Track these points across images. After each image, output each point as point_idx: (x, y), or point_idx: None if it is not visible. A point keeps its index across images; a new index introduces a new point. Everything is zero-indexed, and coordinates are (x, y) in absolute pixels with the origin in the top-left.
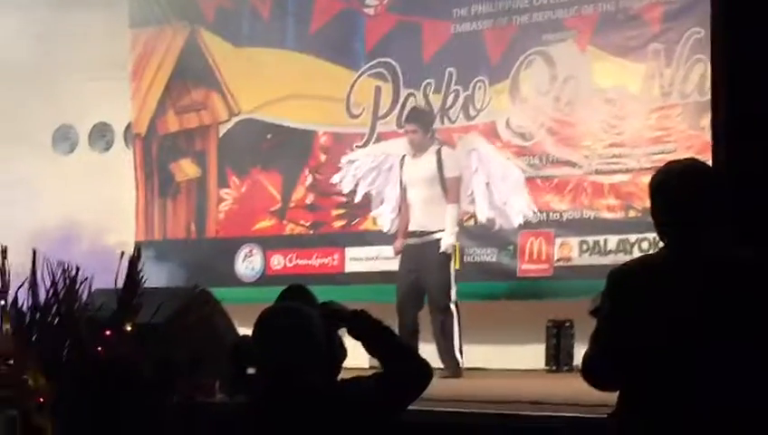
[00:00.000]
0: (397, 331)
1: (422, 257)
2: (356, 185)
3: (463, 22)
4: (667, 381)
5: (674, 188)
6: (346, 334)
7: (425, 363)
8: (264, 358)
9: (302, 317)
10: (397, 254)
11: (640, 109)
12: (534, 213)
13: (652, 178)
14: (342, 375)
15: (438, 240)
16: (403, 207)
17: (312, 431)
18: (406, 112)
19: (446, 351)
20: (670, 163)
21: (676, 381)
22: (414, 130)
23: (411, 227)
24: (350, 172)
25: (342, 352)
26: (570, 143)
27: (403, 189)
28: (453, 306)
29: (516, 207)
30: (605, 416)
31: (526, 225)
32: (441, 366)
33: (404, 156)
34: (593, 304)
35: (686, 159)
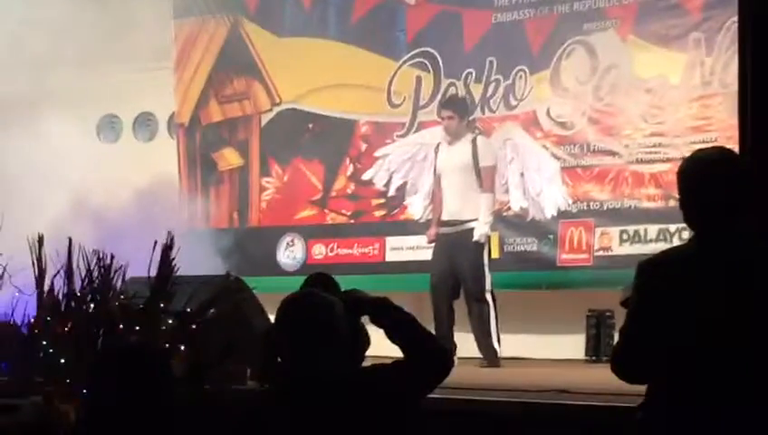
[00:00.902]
0: (432, 319)
1: (455, 246)
2: (389, 178)
3: (504, 11)
4: (695, 376)
5: (700, 176)
6: (369, 322)
7: (445, 352)
8: (286, 346)
9: (325, 305)
10: (430, 242)
11: (681, 98)
12: (570, 204)
13: (680, 166)
14: (366, 363)
15: (472, 229)
16: (437, 196)
17: (335, 419)
18: (445, 98)
19: (484, 340)
20: (698, 151)
21: (704, 376)
22: (450, 117)
23: (444, 216)
24: (384, 166)
25: (366, 340)
26: (610, 133)
27: (437, 177)
28: (489, 296)
29: (551, 197)
30: (634, 407)
31: (565, 214)
32: (479, 355)
33: (439, 144)
34: (624, 294)
35: (713, 147)
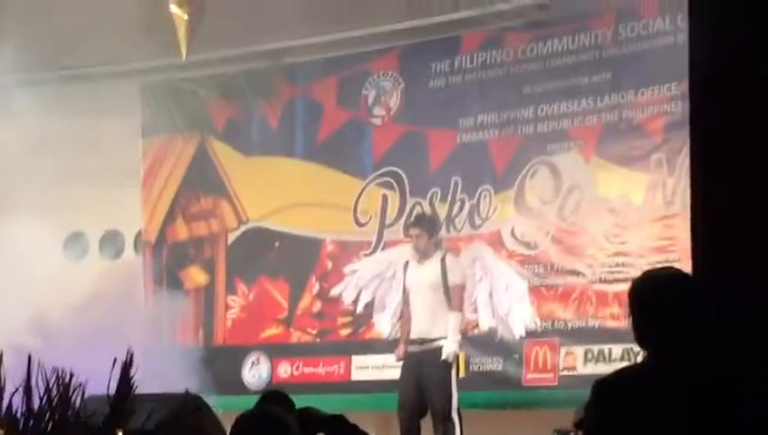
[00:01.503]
0: None
1: (423, 364)
2: (358, 294)
3: (468, 131)
4: None
5: (650, 297)
6: None
7: None
8: None
9: (279, 422)
10: (399, 361)
11: (644, 218)
12: (537, 324)
13: (630, 287)
14: None
15: (440, 348)
16: (405, 314)
17: None
18: (411, 218)
19: None
20: (648, 272)
21: None
22: (418, 235)
23: (413, 335)
24: (353, 282)
25: None
26: (574, 252)
27: (405, 296)
28: (455, 415)
29: (518, 317)
30: None
31: (530, 334)
32: None
33: (407, 261)
34: (577, 416)
35: (664, 268)
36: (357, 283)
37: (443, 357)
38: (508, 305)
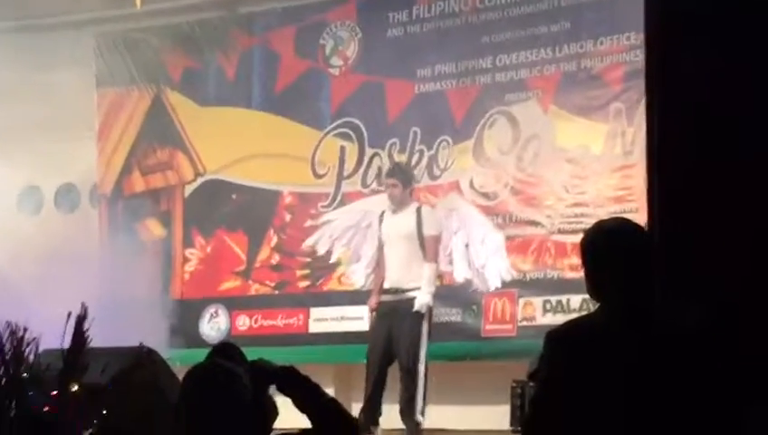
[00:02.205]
0: (365, 385)
1: (395, 315)
2: (332, 245)
3: (426, 82)
4: None
5: (601, 248)
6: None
7: (351, 420)
8: (190, 417)
9: (229, 375)
10: (372, 311)
11: (603, 168)
12: (513, 276)
13: (582, 239)
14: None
15: (413, 299)
16: (379, 264)
17: None
18: (387, 168)
19: (407, 411)
20: (599, 223)
21: None
22: (394, 184)
23: (386, 284)
24: (327, 233)
25: (273, 411)
26: (533, 203)
27: (380, 246)
28: (421, 367)
29: (495, 270)
30: None
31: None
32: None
33: (383, 212)
34: (531, 367)
35: (615, 218)
36: (331, 233)
37: (415, 308)
38: (485, 258)
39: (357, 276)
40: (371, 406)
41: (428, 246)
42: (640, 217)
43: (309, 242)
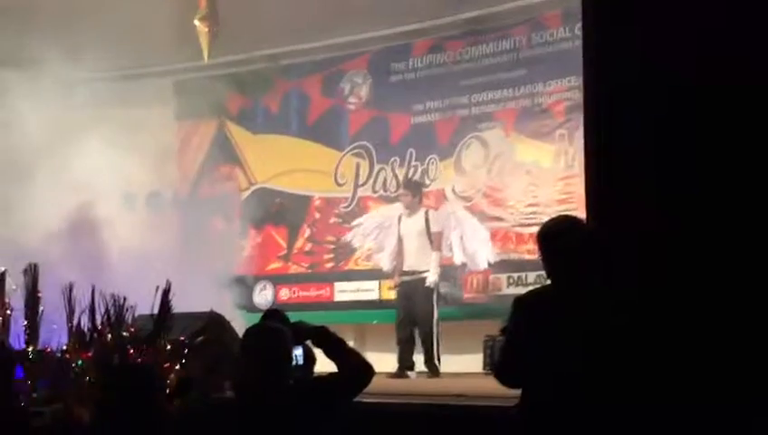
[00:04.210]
0: (396, 344)
1: (414, 291)
2: (363, 240)
3: (419, 115)
4: (552, 383)
5: (551, 238)
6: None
7: (368, 366)
8: (249, 364)
9: (277, 333)
10: (395, 288)
11: (551, 178)
12: (498, 259)
13: (538, 232)
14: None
15: (425, 278)
16: (399, 254)
17: (287, 416)
18: (399, 179)
19: (428, 359)
20: (550, 220)
21: (557, 383)
22: (405, 195)
23: (405, 268)
24: (359, 232)
25: (312, 358)
26: (499, 204)
27: (400, 240)
28: (435, 327)
29: (483, 255)
30: (512, 406)
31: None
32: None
33: (400, 215)
34: (503, 324)
35: (562, 216)
36: (363, 232)
37: (426, 284)
38: (475, 246)
39: (383, 262)
40: (406, 357)
41: (435, 240)
42: (580, 215)
43: (346, 238)
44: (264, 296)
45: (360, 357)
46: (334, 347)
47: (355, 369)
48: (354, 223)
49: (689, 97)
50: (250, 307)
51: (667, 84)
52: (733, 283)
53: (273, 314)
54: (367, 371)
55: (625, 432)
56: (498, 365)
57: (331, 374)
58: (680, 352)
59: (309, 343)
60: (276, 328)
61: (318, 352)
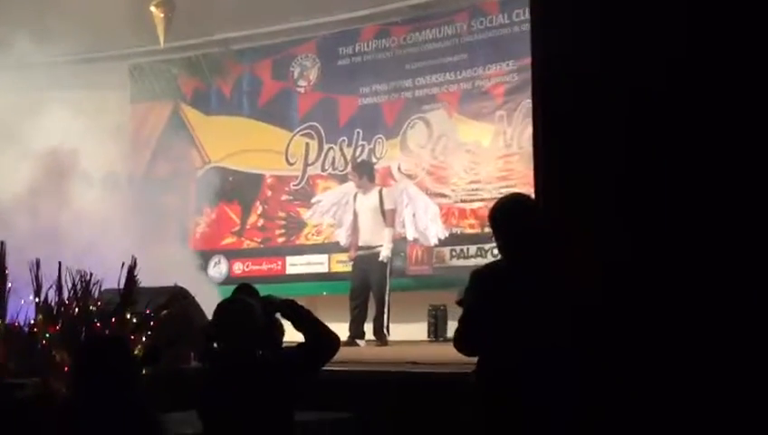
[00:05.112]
0: (350, 311)
1: (368, 264)
2: (322, 217)
3: (367, 96)
4: (505, 350)
5: (502, 215)
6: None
7: (334, 336)
8: (221, 336)
9: (247, 306)
10: (350, 260)
11: (491, 157)
12: (447, 235)
13: (490, 211)
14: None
15: (379, 252)
16: (355, 229)
17: (256, 386)
18: (352, 163)
19: (378, 328)
20: (502, 199)
21: (510, 350)
22: (354, 175)
23: (360, 243)
24: (318, 210)
25: (281, 330)
26: (442, 181)
27: (355, 216)
28: (387, 298)
29: (433, 231)
30: (468, 372)
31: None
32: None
33: (356, 193)
34: (459, 295)
35: (513, 195)
36: (321, 209)
37: (380, 259)
38: (426, 223)
39: (340, 237)
40: (357, 326)
41: (388, 216)
42: (518, 190)
43: (305, 216)
44: (218, 270)
45: (327, 328)
46: (302, 319)
47: (322, 340)
48: (313, 200)
49: (636, 76)
50: (206, 281)
51: (613, 65)
52: (676, 255)
53: (244, 289)
54: (333, 341)
55: (576, 395)
56: (458, 335)
57: (299, 345)
58: (626, 321)
59: (278, 315)
60: (247, 302)
61: (286, 324)
